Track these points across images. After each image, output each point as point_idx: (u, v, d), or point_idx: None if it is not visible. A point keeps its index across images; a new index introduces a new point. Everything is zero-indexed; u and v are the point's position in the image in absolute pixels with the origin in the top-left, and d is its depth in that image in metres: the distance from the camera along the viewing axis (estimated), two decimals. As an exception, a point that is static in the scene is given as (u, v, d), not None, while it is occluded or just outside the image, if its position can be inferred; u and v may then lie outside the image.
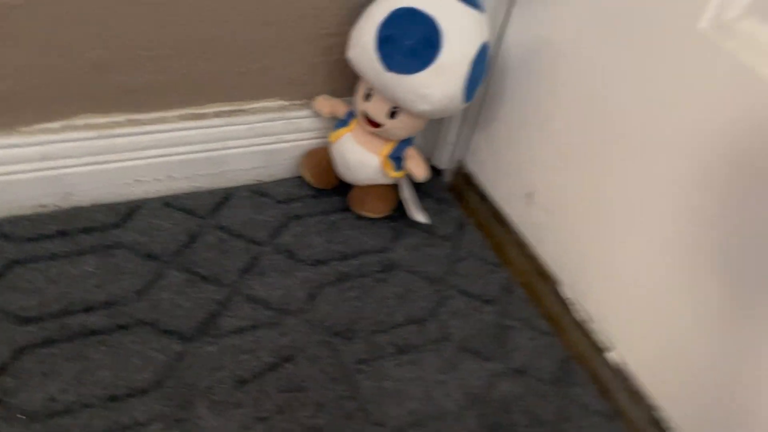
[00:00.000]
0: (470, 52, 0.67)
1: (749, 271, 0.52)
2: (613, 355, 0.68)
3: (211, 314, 0.65)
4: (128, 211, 0.73)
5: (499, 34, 0.76)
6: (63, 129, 0.68)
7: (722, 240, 0.53)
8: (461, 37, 0.66)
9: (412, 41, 0.66)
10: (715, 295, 0.55)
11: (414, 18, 0.66)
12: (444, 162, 0.89)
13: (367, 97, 0.72)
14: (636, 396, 0.65)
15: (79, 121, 0.68)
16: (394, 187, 0.81)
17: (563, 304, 0.73)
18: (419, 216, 0.79)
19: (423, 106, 0.69)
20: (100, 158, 0.70)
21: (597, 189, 0.66)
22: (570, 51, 0.67)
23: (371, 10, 0.68)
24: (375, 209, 0.79)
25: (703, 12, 0.51)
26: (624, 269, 0.65)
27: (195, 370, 0.59)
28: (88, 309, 0.62)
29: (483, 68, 0.71)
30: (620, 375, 0.67)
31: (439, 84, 0.67)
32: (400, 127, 0.73)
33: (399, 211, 0.81)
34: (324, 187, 0.82)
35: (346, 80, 0.80)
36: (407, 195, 0.79)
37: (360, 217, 0.80)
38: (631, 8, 0.58)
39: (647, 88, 0.58)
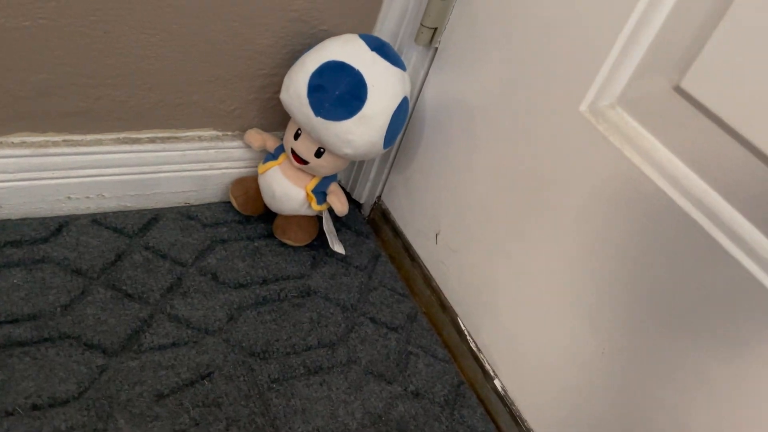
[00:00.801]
0: (391, 105, 0.75)
1: (617, 315, 0.62)
2: (497, 383, 0.77)
3: (135, 331, 0.69)
4: (57, 227, 0.76)
5: (418, 91, 0.84)
6: (-1, 145, 0.70)
7: (594, 288, 0.63)
8: (384, 91, 0.74)
9: (340, 92, 0.73)
10: (585, 335, 0.65)
11: (343, 71, 0.73)
12: (363, 197, 0.97)
13: (296, 136, 0.79)
14: (516, 420, 0.74)
15: (15, 138, 0.71)
16: (315, 218, 0.87)
17: (460, 334, 0.82)
18: (337, 247, 0.85)
19: (346, 150, 0.76)
20: (34, 174, 0.73)
21: (492, 235, 0.75)
22: (476, 110, 0.76)
23: (305, 60, 0.75)
24: (297, 238, 0.85)
25: (584, 98, 0.61)
26: (508, 308, 0.74)
27: (116, 384, 0.63)
28: (14, 320, 0.64)
29: (402, 119, 0.79)
30: (503, 400, 0.76)
31: (362, 132, 0.74)
32: (324, 165, 0.80)
33: (319, 241, 0.88)
34: (250, 214, 0.88)
35: (277, 116, 0.86)
36: (328, 227, 0.86)
37: (282, 245, 0.86)
38: (528, 85, 0.67)
39: (537, 154, 0.67)
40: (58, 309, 0.67)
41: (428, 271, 0.87)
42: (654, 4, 0.54)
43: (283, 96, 0.76)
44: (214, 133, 0.84)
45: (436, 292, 0.85)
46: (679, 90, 0.52)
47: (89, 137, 0.75)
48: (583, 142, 0.61)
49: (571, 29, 0.61)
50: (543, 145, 0.66)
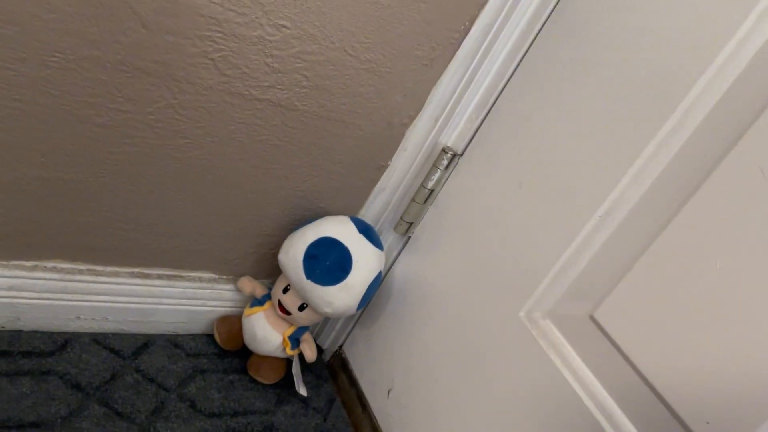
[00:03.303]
0: (369, 278, 0.92)
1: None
2: None
3: (121, 448, 0.78)
4: (63, 342, 0.86)
5: (390, 266, 1.02)
6: (33, 268, 0.82)
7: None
8: (365, 267, 0.91)
9: (330, 263, 0.89)
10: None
11: (335, 246, 0.90)
12: (327, 344, 1.11)
13: (285, 290, 0.94)
14: None
15: (48, 263, 0.83)
16: (285, 361, 1.00)
17: (398, 482, 0.93)
18: (302, 390, 0.98)
19: (326, 309, 0.91)
20: (55, 296, 0.84)
21: (437, 400, 0.90)
22: (434, 293, 0.93)
23: (305, 231, 0.91)
24: (267, 377, 0.97)
25: (523, 306, 0.79)
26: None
27: (101, 497, 0.72)
28: (19, 426, 0.73)
29: (375, 289, 0.95)
30: None
31: (342, 297, 0.90)
32: (304, 318, 0.94)
33: (285, 380, 1.00)
34: (229, 349, 1.00)
35: (267, 268, 1.01)
36: (296, 370, 0.99)
37: (253, 381, 0.97)
38: (479, 284, 0.85)
39: (479, 341, 0.84)
40: (58, 420, 0.76)
41: (377, 421, 0.99)
42: (585, 244, 0.73)
43: (281, 257, 0.92)
44: (211, 275, 0.98)
45: (381, 440, 0.98)
46: (592, 318, 0.71)
47: (108, 269, 0.88)
48: (518, 341, 0.78)
49: (520, 248, 0.80)
50: (485, 335, 0.83)
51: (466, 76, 0.88)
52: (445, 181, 0.93)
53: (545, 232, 0.77)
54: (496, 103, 0.88)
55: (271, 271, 1.02)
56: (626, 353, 0.67)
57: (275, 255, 0.99)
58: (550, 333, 0.76)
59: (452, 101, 0.90)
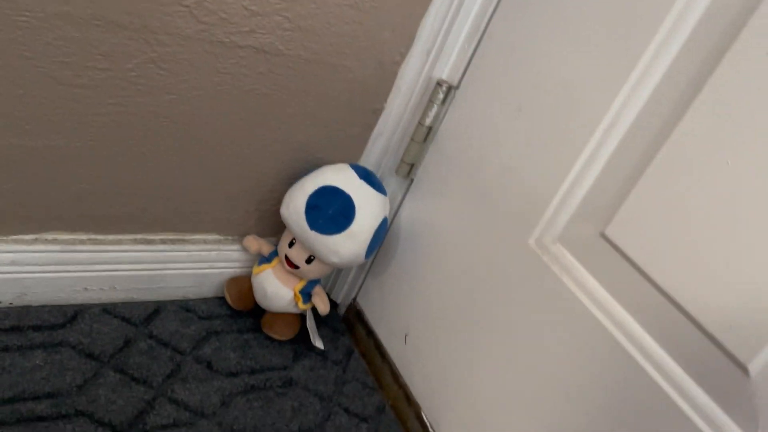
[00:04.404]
0: (374, 224, 0.90)
1: (565, 417, 0.75)
2: (455, 471, 0.87)
3: (140, 411, 0.78)
4: (73, 314, 0.85)
5: (395, 212, 0.99)
6: (34, 241, 0.81)
7: (542, 394, 0.76)
8: (369, 212, 0.89)
9: (333, 211, 0.87)
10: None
11: (336, 194, 0.88)
12: (340, 298, 1.10)
13: (291, 244, 0.92)
14: (470, 504, 0.84)
15: (48, 235, 0.82)
16: (299, 316, 0.99)
17: (423, 426, 0.93)
18: (317, 342, 0.97)
19: (334, 259, 0.89)
20: (59, 268, 0.84)
21: (454, 340, 0.89)
22: (442, 232, 0.91)
23: (304, 183, 0.89)
24: (282, 333, 0.96)
25: (532, 234, 0.76)
26: (466, 405, 0.86)
27: (124, 459, 0.72)
28: (35, 398, 0.73)
29: (382, 236, 0.93)
30: (460, 487, 0.86)
31: (348, 245, 0.88)
32: (313, 270, 0.93)
33: (300, 336, 0.99)
34: (241, 309, 0.99)
35: (271, 225, 1.00)
36: (310, 324, 0.98)
37: (268, 338, 0.97)
38: (487, 217, 0.83)
39: (491, 275, 0.82)
40: (74, 389, 0.76)
41: (396, 368, 0.99)
42: (590, 160, 0.71)
43: (283, 211, 0.90)
44: (216, 236, 0.96)
45: (402, 387, 0.97)
46: (604, 236, 0.68)
47: (111, 237, 0.87)
48: (530, 269, 0.76)
49: (524, 175, 0.78)
50: (497, 268, 0.81)
51: (454, 3, 0.84)
52: (443, 117, 0.90)
53: (549, 155, 0.74)
54: (488, 29, 0.84)
55: (275, 228, 1.00)
56: (640, 267, 0.64)
57: (278, 211, 0.97)
58: (561, 257, 0.73)
59: (442, 32, 0.86)
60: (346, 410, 0.92)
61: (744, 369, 0.55)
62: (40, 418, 0.71)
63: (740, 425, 0.56)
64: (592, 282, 0.70)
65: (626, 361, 0.65)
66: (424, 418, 0.93)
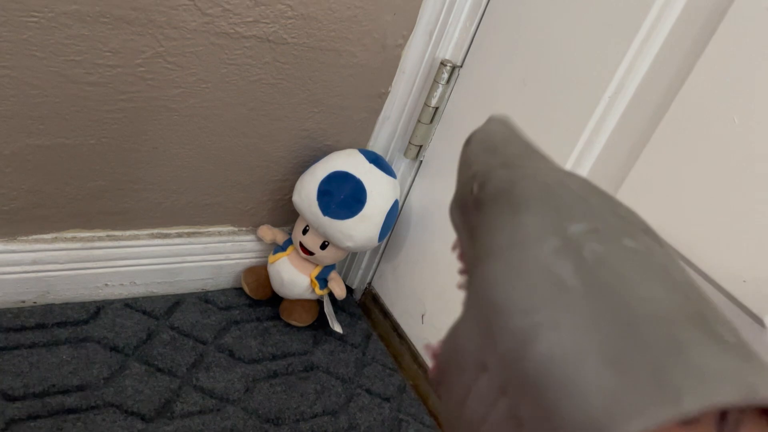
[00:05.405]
0: (385, 207, 0.91)
1: None
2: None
3: (167, 400, 0.79)
4: (96, 310, 0.87)
5: (406, 195, 1.00)
6: (54, 240, 0.82)
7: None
8: (379, 196, 0.90)
9: (344, 196, 0.88)
10: None
11: (347, 179, 0.89)
12: (356, 283, 1.11)
13: (305, 231, 0.93)
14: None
15: (68, 234, 0.84)
16: (316, 302, 1.00)
17: (444, 403, 0.94)
18: (336, 327, 0.98)
19: (348, 244, 0.90)
20: (79, 265, 0.85)
21: (472, 315, 0.89)
22: (457, 213, 0.92)
23: (315, 169, 0.90)
24: (301, 319, 0.98)
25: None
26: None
27: (154, 446, 0.73)
28: (65, 391, 0.75)
29: (393, 218, 0.94)
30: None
31: (361, 229, 0.89)
32: (328, 256, 0.94)
33: (319, 321, 1.00)
34: (259, 298, 1.00)
35: (285, 214, 1.01)
36: (328, 309, 0.99)
37: (288, 325, 0.98)
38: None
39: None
40: (102, 381, 0.78)
41: (415, 348, 1.00)
42: (597, 128, 0.71)
43: (295, 198, 0.91)
44: (231, 228, 0.98)
45: (422, 366, 0.98)
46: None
47: (128, 233, 0.88)
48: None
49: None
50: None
51: (454, -18, 0.85)
52: (449, 97, 0.91)
53: (555, 126, 0.75)
54: (489, 5, 0.85)
55: (289, 217, 1.01)
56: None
57: (290, 200, 0.98)
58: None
59: (444, 12, 0.87)
60: (368, 391, 0.94)
61: (760, 321, 0.56)
62: (70, 411, 0.73)
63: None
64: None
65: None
66: (445, 396, 0.94)
